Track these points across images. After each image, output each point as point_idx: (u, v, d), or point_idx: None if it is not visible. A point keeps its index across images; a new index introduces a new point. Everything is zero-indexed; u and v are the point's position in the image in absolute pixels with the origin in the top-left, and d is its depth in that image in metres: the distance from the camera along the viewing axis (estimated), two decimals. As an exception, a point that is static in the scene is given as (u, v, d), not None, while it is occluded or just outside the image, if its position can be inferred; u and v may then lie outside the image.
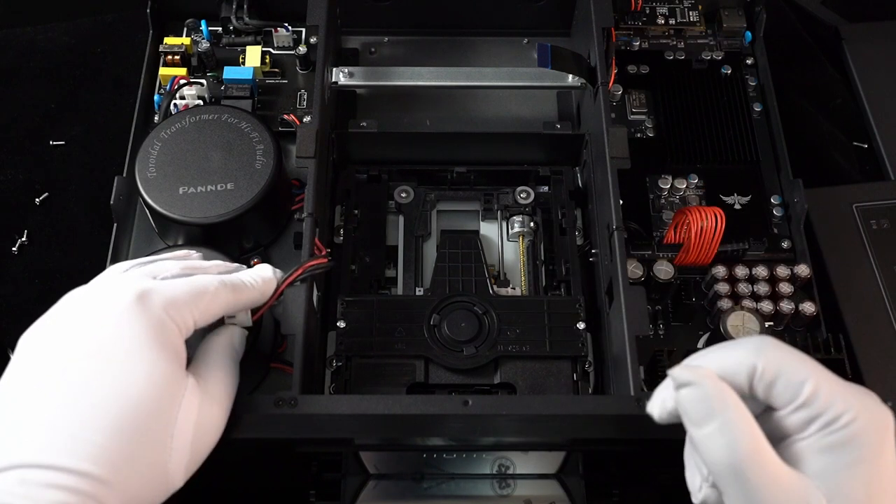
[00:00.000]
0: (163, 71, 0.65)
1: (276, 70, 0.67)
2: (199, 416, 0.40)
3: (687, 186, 0.63)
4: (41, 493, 0.35)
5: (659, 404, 0.38)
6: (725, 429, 0.35)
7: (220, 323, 0.45)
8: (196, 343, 0.44)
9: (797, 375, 0.35)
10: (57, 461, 0.35)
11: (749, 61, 0.69)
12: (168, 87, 0.63)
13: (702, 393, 0.35)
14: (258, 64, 0.65)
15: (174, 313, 0.41)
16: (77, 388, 0.37)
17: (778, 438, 0.36)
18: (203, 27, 0.67)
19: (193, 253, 0.50)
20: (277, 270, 0.48)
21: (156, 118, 0.64)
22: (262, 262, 0.58)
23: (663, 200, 0.63)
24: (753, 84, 0.68)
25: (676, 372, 0.36)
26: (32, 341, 0.40)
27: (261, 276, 0.46)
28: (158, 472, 0.38)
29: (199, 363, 0.43)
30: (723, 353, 0.37)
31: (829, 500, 0.34)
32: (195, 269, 0.46)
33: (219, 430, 0.41)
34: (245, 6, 0.67)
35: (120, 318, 0.39)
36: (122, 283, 0.41)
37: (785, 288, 0.58)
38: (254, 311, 0.47)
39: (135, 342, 0.39)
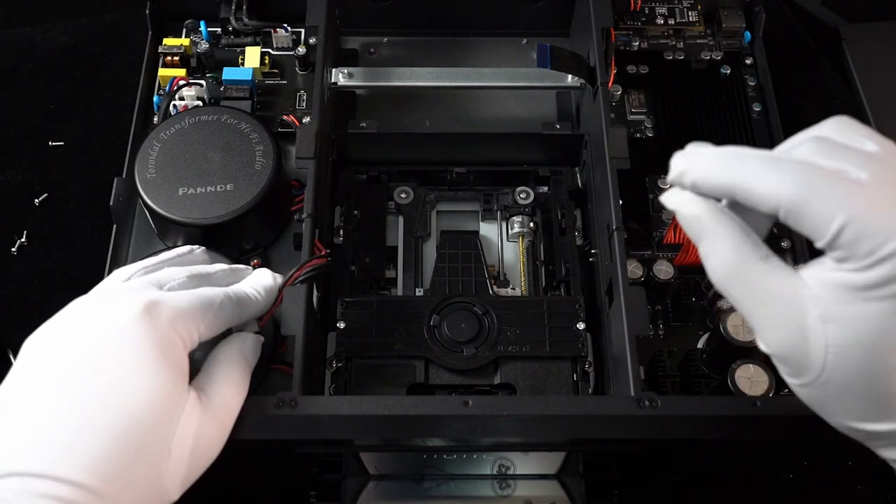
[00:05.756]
0: (162, 72, 0.65)
1: (276, 71, 0.66)
2: (197, 431, 0.39)
3: (687, 186, 0.63)
4: (33, 503, 0.34)
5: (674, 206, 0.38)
6: (709, 251, 0.36)
7: (226, 333, 0.46)
8: (202, 353, 0.44)
9: (825, 211, 0.32)
10: (51, 470, 0.35)
11: (748, 61, 0.69)
12: (167, 87, 0.63)
13: (690, 216, 0.37)
14: (257, 65, 0.65)
15: (181, 327, 0.40)
16: (76, 398, 0.37)
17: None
18: (202, 28, 0.67)
19: (197, 248, 0.50)
20: (277, 276, 0.48)
21: (155, 119, 0.64)
22: (262, 262, 0.58)
23: (663, 200, 0.63)
24: (753, 84, 0.68)
25: (664, 198, 0.38)
26: (36, 347, 0.39)
27: (263, 287, 0.47)
28: (153, 486, 0.38)
29: (205, 375, 0.43)
30: (749, 177, 0.34)
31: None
32: (200, 275, 0.46)
33: (218, 445, 0.41)
34: (244, 7, 0.67)
35: (126, 329, 0.39)
36: (129, 294, 0.41)
37: (785, 288, 0.58)
38: (259, 318, 0.47)
39: (138, 355, 0.38)
